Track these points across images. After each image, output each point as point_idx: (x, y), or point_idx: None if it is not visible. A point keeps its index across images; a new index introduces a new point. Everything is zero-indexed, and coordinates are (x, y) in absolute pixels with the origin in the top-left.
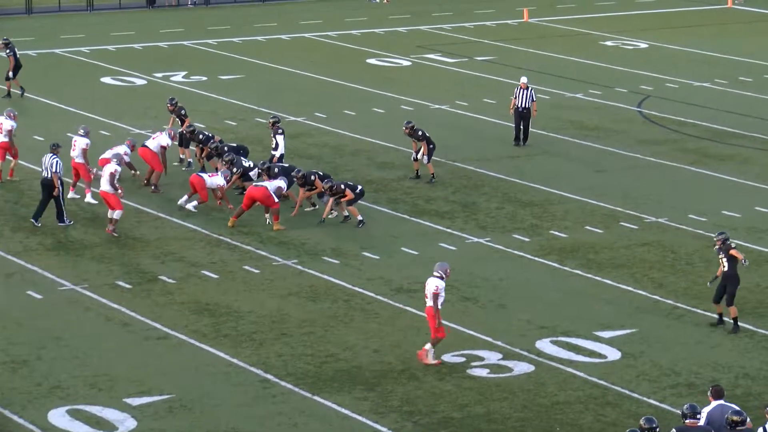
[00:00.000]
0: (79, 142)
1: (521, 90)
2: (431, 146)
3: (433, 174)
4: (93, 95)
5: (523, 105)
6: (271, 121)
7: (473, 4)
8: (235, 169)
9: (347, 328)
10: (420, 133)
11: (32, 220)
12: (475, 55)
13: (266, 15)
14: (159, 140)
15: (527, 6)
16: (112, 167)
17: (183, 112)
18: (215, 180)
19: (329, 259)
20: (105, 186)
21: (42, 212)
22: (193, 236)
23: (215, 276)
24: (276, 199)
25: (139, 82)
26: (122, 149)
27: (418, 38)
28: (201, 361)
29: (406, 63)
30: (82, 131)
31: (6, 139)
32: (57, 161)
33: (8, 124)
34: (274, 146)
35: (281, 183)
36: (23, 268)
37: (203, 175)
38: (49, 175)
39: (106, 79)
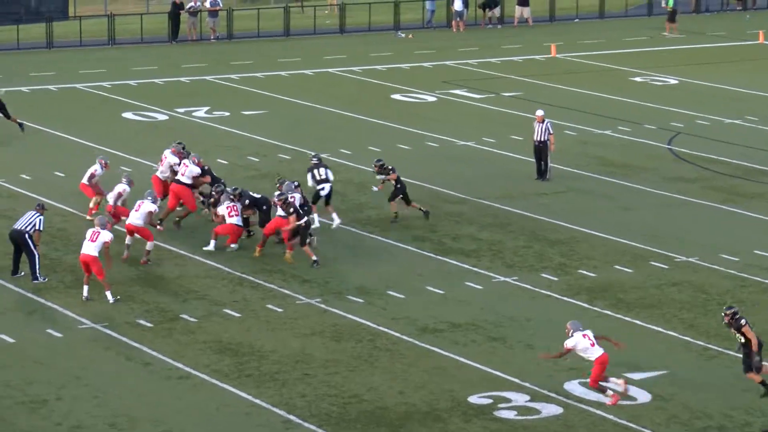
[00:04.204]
0: (117, 188)
1: (537, 123)
2: (398, 186)
3: (396, 214)
4: (114, 131)
5: (540, 138)
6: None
7: (500, 39)
8: (246, 201)
9: (372, 369)
10: (390, 168)
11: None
12: (501, 90)
13: (290, 50)
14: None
15: (555, 41)
16: (152, 206)
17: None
18: (233, 220)
19: (353, 298)
20: (137, 221)
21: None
22: (216, 274)
23: (238, 315)
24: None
25: (161, 117)
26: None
27: (444, 73)
28: (222, 401)
29: (431, 99)
30: (125, 179)
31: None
32: (41, 219)
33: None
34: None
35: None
36: (43, 306)
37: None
38: (22, 228)
39: (128, 115)
